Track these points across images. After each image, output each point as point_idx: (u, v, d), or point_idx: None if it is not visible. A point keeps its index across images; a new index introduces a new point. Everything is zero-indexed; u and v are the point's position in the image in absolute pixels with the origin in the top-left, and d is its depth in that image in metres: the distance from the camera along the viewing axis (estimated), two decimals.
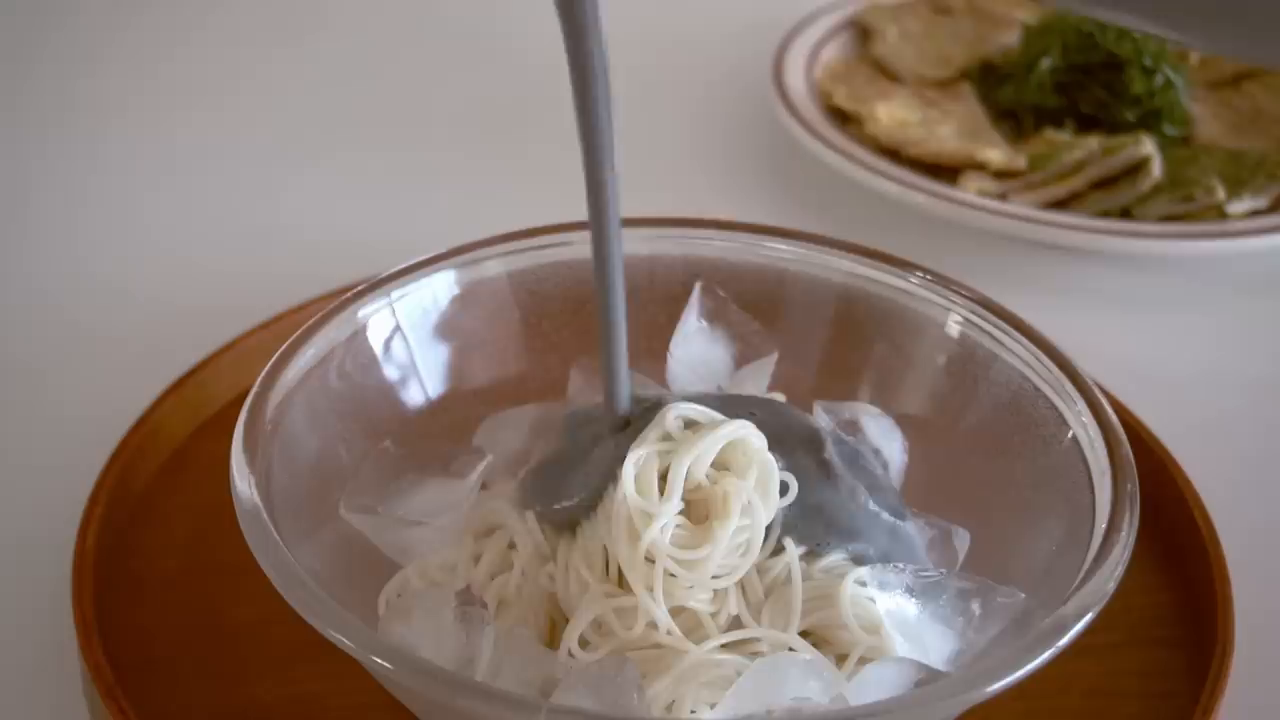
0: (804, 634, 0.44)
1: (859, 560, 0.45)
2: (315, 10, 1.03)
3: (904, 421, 0.52)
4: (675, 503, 0.43)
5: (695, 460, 0.43)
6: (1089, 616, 0.40)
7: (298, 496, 0.46)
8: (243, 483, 0.43)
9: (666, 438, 0.44)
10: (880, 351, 0.54)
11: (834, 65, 0.88)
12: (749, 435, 0.44)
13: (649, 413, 0.45)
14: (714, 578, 0.43)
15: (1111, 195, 0.75)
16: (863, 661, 0.43)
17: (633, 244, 0.55)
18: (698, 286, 0.54)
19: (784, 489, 0.45)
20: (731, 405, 0.46)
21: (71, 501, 0.53)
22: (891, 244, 0.56)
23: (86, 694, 0.47)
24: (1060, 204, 0.76)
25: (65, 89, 0.91)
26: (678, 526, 0.43)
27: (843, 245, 0.55)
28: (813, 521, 0.45)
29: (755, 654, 0.43)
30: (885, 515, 0.45)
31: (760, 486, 0.44)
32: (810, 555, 0.45)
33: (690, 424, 0.45)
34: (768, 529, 0.44)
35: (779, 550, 0.44)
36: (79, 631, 0.47)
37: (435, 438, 0.51)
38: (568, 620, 0.44)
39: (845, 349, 0.54)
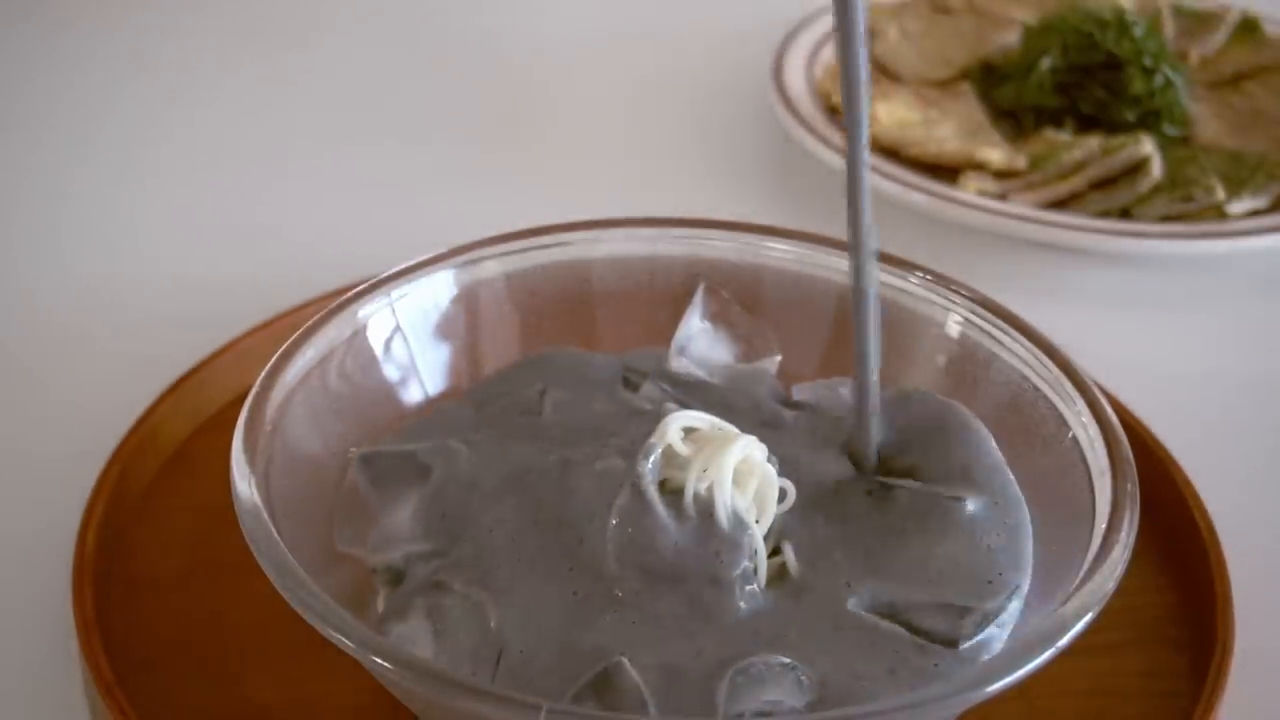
0: None
1: None
2: (315, 10, 1.03)
3: None
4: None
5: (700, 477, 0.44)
6: (1089, 616, 0.40)
7: (298, 496, 0.46)
8: (243, 483, 0.43)
9: (669, 451, 0.44)
10: (881, 351, 0.54)
11: (834, 65, 0.88)
12: (753, 451, 0.44)
13: (645, 422, 0.45)
14: None
15: (1111, 195, 0.75)
16: None
17: (633, 244, 0.56)
18: (701, 287, 0.54)
19: (782, 495, 0.45)
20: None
21: (71, 501, 0.53)
22: (891, 244, 0.56)
23: (86, 694, 0.47)
24: (1060, 204, 0.76)
25: (65, 89, 0.91)
26: None
27: (843, 245, 0.55)
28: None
29: None
30: None
31: (759, 496, 0.44)
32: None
33: (691, 431, 0.45)
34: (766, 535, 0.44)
35: (775, 553, 0.45)
36: (79, 631, 0.47)
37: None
38: None
39: (845, 349, 0.54)
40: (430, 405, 0.52)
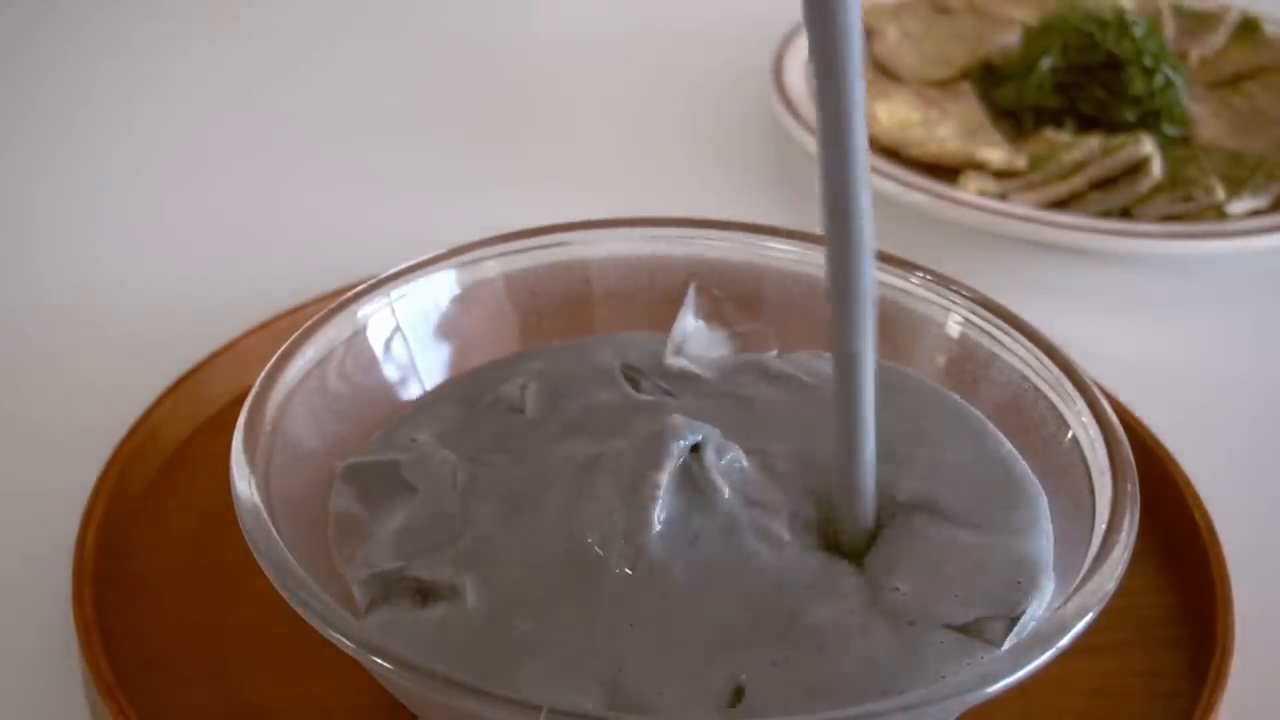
0: None
1: None
2: (315, 10, 1.03)
3: None
4: None
5: None
6: (1089, 617, 0.40)
7: (298, 496, 0.46)
8: (243, 483, 0.43)
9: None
10: (880, 351, 0.54)
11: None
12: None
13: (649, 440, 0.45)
14: None
15: (1111, 195, 0.75)
16: None
17: (633, 244, 0.56)
18: (692, 286, 0.54)
19: None
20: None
21: (71, 501, 0.53)
22: (891, 244, 0.56)
23: (86, 694, 0.47)
24: (1060, 204, 0.76)
25: (66, 89, 0.91)
26: None
27: None
28: None
29: None
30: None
31: None
32: None
33: (697, 449, 0.45)
34: None
35: None
36: (79, 631, 0.47)
37: None
38: None
39: None
40: (420, 400, 0.52)
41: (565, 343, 0.54)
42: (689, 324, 0.54)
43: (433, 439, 0.49)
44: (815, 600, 0.42)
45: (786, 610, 0.42)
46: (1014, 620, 0.42)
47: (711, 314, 0.54)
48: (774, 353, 0.54)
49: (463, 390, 0.52)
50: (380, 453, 0.49)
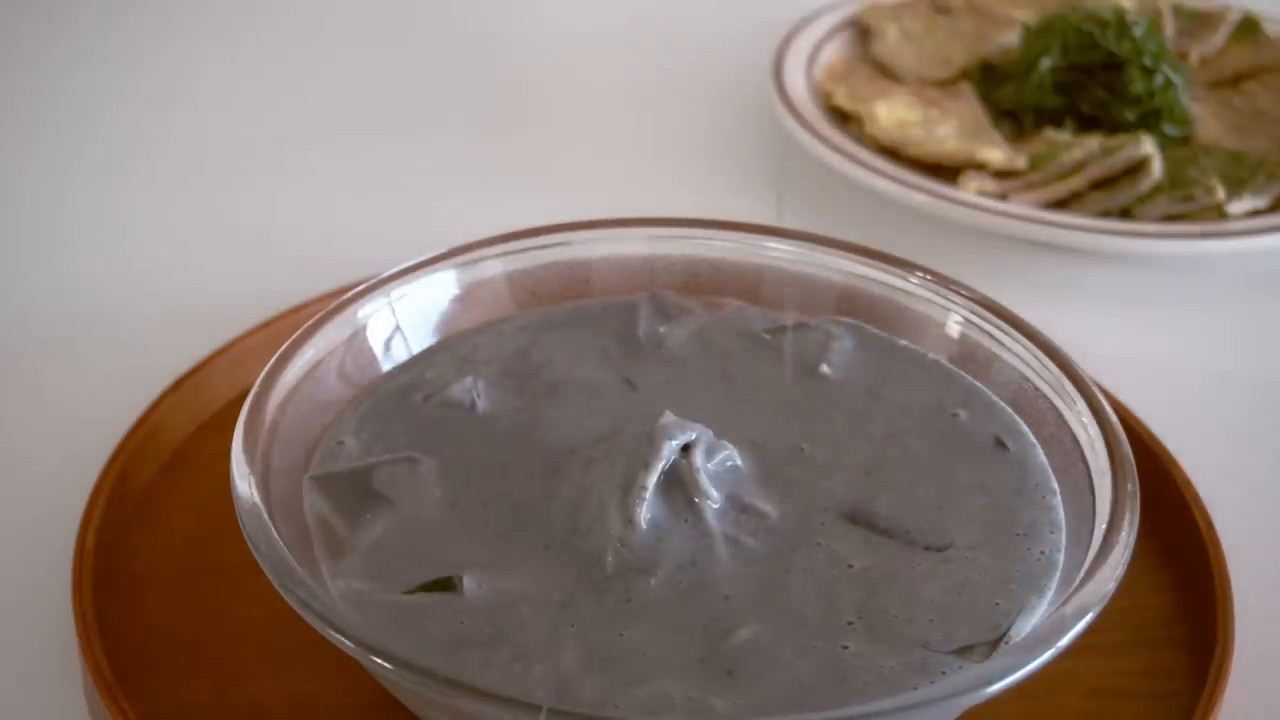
0: None
1: None
2: (315, 9, 1.03)
3: None
4: None
5: None
6: (1089, 617, 0.40)
7: (298, 497, 0.46)
8: (243, 483, 0.43)
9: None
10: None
11: (834, 65, 0.88)
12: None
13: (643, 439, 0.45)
14: None
15: (1111, 195, 0.75)
16: None
17: (633, 244, 0.56)
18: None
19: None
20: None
21: (71, 501, 0.53)
22: (891, 244, 0.56)
23: (86, 694, 0.47)
24: (1060, 204, 0.76)
25: (63, 88, 0.91)
26: None
27: (843, 245, 0.55)
28: None
29: None
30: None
31: None
32: None
33: (688, 448, 0.45)
34: None
35: None
36: (79, 631, 0.47)
37: None
38: None
39: None
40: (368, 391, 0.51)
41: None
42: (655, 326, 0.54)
43: (401, 443, 0.48)
44: (759, 621, 0.42)
45: (730, 627, 0.42)
46: (995, 644, 0.42)
47: (671, 305, 0.55)
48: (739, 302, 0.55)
49: (408, 381, 0.51)
50: (334, 462, 0.48)
